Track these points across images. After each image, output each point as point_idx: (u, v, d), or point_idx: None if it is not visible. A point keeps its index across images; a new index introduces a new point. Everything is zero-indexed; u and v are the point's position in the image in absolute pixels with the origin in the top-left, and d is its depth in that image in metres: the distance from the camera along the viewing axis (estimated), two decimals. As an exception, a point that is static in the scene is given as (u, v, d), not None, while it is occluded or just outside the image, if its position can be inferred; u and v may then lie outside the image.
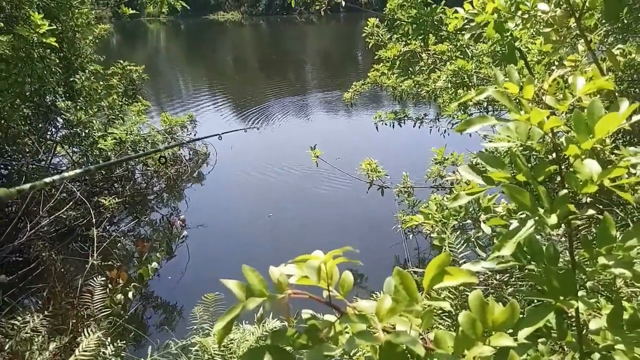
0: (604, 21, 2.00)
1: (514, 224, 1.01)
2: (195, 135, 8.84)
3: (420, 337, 0.75)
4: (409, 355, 0.69)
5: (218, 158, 8.56)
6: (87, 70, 5.85)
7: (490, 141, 1.00)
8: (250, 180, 7.84)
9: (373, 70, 5.66)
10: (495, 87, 1.07)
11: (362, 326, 0.68)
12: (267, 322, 3.02)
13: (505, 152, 1.91)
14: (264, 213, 6.51)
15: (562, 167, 0.94)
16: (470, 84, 3.90)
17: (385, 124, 5.53)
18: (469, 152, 3.50)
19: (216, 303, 3.13)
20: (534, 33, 3.42)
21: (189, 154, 8.54)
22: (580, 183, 0.88)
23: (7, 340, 2.30)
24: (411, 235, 5.06)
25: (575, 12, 1.61)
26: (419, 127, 5.42)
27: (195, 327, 3.08)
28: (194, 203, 7.11)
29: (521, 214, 1.80)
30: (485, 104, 4.23)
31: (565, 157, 0.94)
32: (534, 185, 0.93)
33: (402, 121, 5.48)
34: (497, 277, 2.06)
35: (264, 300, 0.70)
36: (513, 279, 1.79)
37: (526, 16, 1.82)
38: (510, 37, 1.86)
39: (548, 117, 0.91)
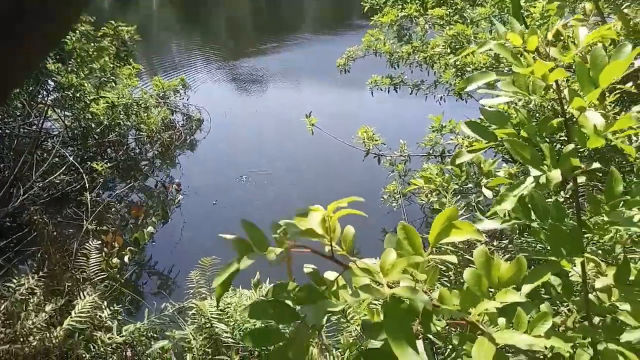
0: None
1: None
2: (188, 100, 8.72)
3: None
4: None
5: (212, 124, 8.46)
6: (77, 31, 5.70)
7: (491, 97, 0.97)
8: (243, 146, 7.79)
9: (367, 35, 5.52)
10: (497, 40, 1.02)
11: (366, 280, 0.67)
12: (264, 286, 3.03)
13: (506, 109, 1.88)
14: (257, 178, 6.50)
15: (567, 122, 0.91)
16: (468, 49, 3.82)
17: (380, 89, 5.43)
18: (468, 119, 3.44)
19: (212, 267, 3.13)
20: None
21: (183, 120, 8.44)
22: (587, 137, 0.85)
23: (2, 301, 2.30)
24: (396, 206, 4.98)
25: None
26: (415, 94, 5.33)
27: (191, 291, 3.09)
28: (187, 169, 7.07)
29: (524, 177, 1.78)
30: (484, 68, 4.15)
31: (568, 112, 0.91)
32: (535, 140, 0.90)
33: (398, 87, 5.38)
34: (495, 243, 2.06)
35: (264, 254, 0.68)
36: (511, 245, 1.78)
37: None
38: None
39: (552, 70, 0.87)
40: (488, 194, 1.83)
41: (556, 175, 0.77)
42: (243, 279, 3.09)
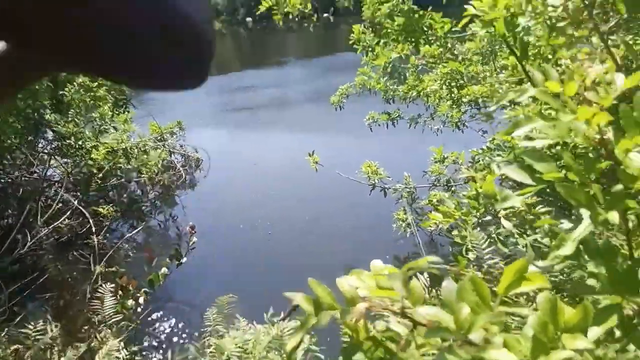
0: (611, 14, 2.00)
1: (566, 222, 1.01)
2: (184, 141, 8.74)
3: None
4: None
5: (211, 164, 8.49)
6: (75, 83, 5.77)
7: (529, 139, 0.99)
8: (244, 185, 7.81)
9: (359, 75, 5.56)
10: (533, 86, 1.06)
11: (440, 340, 0.67)
12: (281, 323, 3.00)
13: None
14: (260, 217, 6.49)
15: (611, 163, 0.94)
16: (463, 84, 3.95)
17: (379, 125, 5.49)
18: (470, 150, 3.52)
19: (229, 305, 3.14)
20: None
21: (182, 160, 8.45)
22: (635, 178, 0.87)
23: (26, 350, 2.26)
24: (408, 233, 5.04)
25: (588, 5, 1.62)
26: (414, 128, 5.40)
27: (209, 329, 3.07)
28: (189, 209, 7.07)
29: (540, 208, 1.79)
30: (479, 101, 4.23)
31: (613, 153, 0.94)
32: (584, 182, 0.92)
33: (395, 121, 5.44)
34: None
35: (337, 312, 0.68)
36: (557, 279, 1.78)
37: (538, 11, 1.83)
38: (522, 33, 1.86)
39: (595, 114, 0.90)
40: (507, 225, 1.85)
41: (615, 216, 0.78)
42: (255, 314, 3.08)
